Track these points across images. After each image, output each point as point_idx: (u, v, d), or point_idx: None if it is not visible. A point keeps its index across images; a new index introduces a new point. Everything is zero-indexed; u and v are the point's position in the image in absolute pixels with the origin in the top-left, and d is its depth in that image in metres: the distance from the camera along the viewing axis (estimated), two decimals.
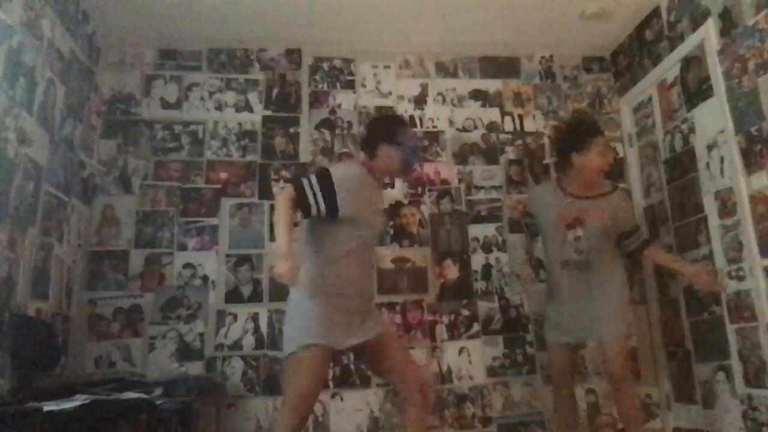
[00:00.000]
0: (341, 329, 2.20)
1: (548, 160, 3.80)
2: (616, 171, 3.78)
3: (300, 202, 2.16)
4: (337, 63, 3.83)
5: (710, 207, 3.01)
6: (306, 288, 2.20)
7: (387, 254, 3.47)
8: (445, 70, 3.92)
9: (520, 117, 3.88)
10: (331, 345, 2.18)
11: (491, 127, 3.84)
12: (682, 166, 3.26)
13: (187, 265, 3.34)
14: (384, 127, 2.40)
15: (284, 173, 3.57)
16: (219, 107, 3.65)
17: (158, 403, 2.29)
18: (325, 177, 2.18)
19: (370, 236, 2.33)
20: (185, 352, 3.20)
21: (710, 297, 2.95)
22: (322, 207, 2.15)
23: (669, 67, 3.36)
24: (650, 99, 3.59)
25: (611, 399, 3.12)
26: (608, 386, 3.03)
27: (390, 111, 3.74)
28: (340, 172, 2.26)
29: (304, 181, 2.19)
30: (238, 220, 3.45)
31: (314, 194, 2.14)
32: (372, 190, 2.36)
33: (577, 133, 2.82)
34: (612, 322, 2.69)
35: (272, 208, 3.42)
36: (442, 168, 3.71)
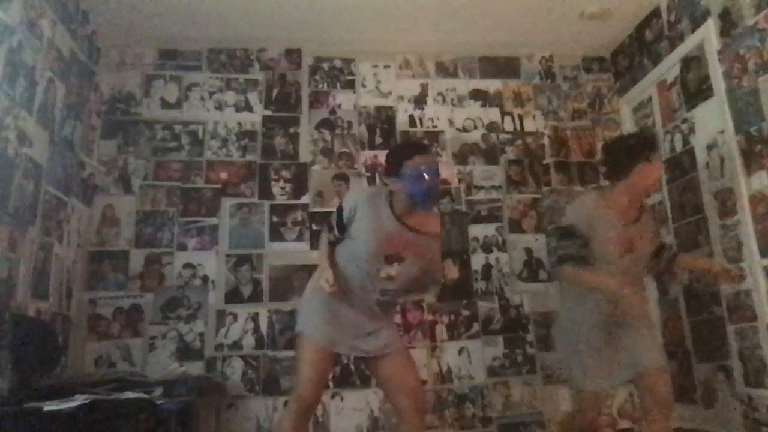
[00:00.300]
0: (335, 330, 2.22)
1: (548, 160, 3.81)
2: None
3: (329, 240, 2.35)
4: (337, 63, 3.83)
5: (710, 207, 3.01)
6: (314, 280, 2.36)
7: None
8: (445, 70, 3.92)
9: (520, 117, 3.89)
10: (321, 341, 2.20)
11: (491, 127, 3.84)
12: (682, 166, 3.26)
13: (187, 265, 3.34)
14: (388, 156, 2.30)
15: (284, 173, 3.57)
16: (219, 107, 3.65)
17: (158, 403, 2.28)
18: (338, 208, 2.31)
19: (372, 254, 2.20)
20: (185, 352, 3.20)
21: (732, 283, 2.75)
22: (336, 233, 2.29)
23: (669, 67, 3.36)
24: (650, 99, 3.59)
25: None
26: (650, 416, 2.43)
27: (391, 111, 3.75)
28: (346, 196, 2.36)
29: (330, 221, 2.35)
30: (238, 220, 3.45)
31: (333, 225, 2.30)
32: (379, 212, 2.22)
33: (642, 142, 2.50)
34: (653, 342, 2.46)
35: (272, 208, 3.51)
36: (442, 168, 3.66)
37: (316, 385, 2.22)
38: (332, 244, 2.32)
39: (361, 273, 2.25)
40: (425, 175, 2.12)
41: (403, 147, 2.44)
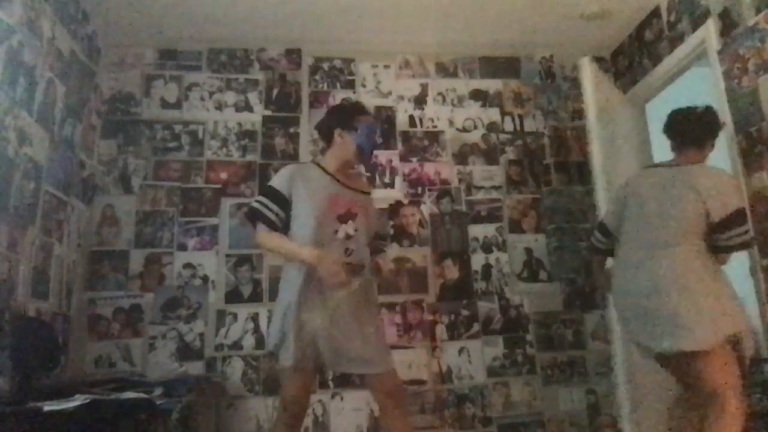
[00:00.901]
0: (313, 345, 2.08)
1: (548, 160, 3.81)
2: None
3: (270, 226, 2.19)
4: (337, 63, 3.83)
5: None
6: (283, 290, 2.22)
7: (387, 254, 3.46)
8: (445, 70, 3.92)
9: (520, 117, 3.89)
10: (297, 365, 2.09)
11: (491, 127, 3.84)
12: None
13: (187, 265, 3.34)
14: (338, 113, 2.38)
15: None
16: (219, 107, 3.65)
17: (158, 403, 2.29)
18: (268, 191, 2.23)
19: (322, 217, 2.15)
20: (185, 352, 3.20)
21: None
22: (280, 213, 2.18)
23: (669, 67, 3.35)
24: None
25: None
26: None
27: (391, 111, 3.76)
28: (277, 178, 2.27)
29: (256, 206, 2.21)
30: (238, 220, 3.45)
31: (270, 210, 2.18)
32: (316, 179, 2.24)
33: (718, 119, 2.34)
34: None
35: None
36: (442, 168, 3.71)
37: (301, 401, 2.18)
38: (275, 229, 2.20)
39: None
40: (373, 131, 2.35)
41: (354, 106, 2.47)
